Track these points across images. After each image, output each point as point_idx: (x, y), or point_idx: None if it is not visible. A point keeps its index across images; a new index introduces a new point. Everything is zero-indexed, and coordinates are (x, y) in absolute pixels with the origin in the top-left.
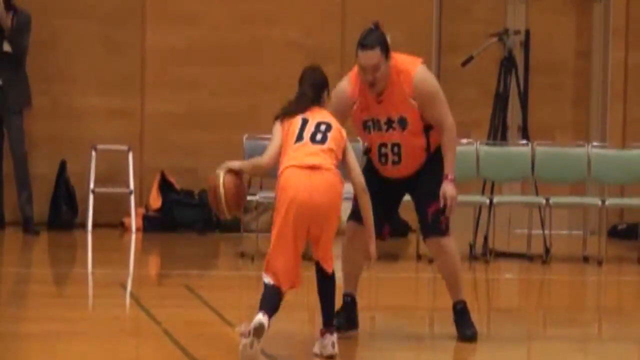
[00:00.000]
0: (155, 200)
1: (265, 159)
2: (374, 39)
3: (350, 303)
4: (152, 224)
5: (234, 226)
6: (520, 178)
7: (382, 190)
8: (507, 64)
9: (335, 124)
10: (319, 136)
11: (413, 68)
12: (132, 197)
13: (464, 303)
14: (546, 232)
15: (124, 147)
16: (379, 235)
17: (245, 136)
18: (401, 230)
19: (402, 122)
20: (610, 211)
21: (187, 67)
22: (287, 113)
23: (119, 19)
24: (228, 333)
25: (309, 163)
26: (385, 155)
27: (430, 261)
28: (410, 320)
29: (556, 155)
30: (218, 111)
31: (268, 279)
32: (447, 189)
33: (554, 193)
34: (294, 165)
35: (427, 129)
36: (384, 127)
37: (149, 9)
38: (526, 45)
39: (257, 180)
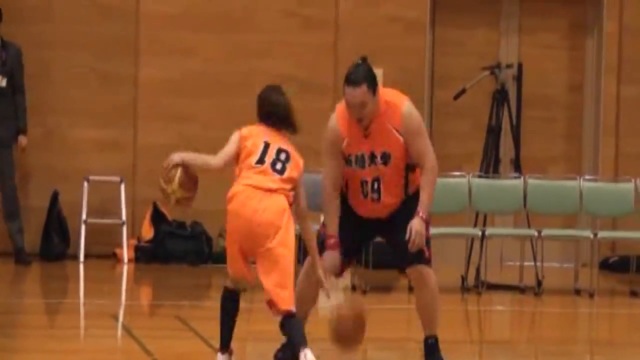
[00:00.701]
0: (147, 232)
1: (217, 161)
2: (360, 74)
3: None
4: (144, 255)
5: (225, 258)
6: (513, 210)
7: (356, 228)
8: (500, 97)
9: (293, 153)
10: (278, 165)
11: (401, 102)
12: (124, 228)
13: (435, 338)
14: (538, 264)
15: (117, 179)
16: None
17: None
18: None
19: (385, 157)
20: (602, 244)
21: (179, 99)
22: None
23: (113, 51)
24: None
25: (266, 186)
26: (366, 192)
27: None
28: (402, 352)
29: (548, 188)
30: (210, 143)
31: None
32: (415, 222)
33: (546, 225)
34: (250, 185)
35: (408, 168)
36: (367, 161)
37: (142, 41)
38: (519, 78)
39: None
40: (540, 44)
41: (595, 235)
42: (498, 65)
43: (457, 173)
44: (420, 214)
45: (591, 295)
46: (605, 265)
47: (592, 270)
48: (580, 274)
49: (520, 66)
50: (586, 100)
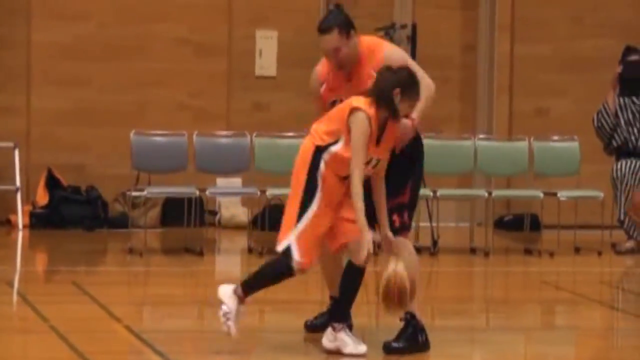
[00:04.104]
0: (42, 197)
1: None
2: (330, 20)
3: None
4: (39, 221)
5: (121, 222)
6: None
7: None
8: None
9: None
10: None
11: (382, 46)
12: (19, 194)
13: (410, 314)
14: (434, 224)
15: (10, 144)
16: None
17: (132, 132)
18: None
19: None
20: (496, 203)
21: (74, 63)
22: None
23: (4, 15)
24: (116, 329)
25: None
26: None
27: None
28: (299, 314)
29: (443, 148)
30: (105, 107)
31: None
32: (405, 124)
33: (441, 185)
34: None
35: None
36: None
37: (34, 5)
38: (413, 39)
39: (145, 176)
40: (434, 4)
41: (490, 194)
42: (392, 26)
43: None
44: (412, 116)
45: (486, 254)
46: (500, 224)
47: (487, 229)
48: (475, 233)
49: (414, 26)
50: (480, 60)
